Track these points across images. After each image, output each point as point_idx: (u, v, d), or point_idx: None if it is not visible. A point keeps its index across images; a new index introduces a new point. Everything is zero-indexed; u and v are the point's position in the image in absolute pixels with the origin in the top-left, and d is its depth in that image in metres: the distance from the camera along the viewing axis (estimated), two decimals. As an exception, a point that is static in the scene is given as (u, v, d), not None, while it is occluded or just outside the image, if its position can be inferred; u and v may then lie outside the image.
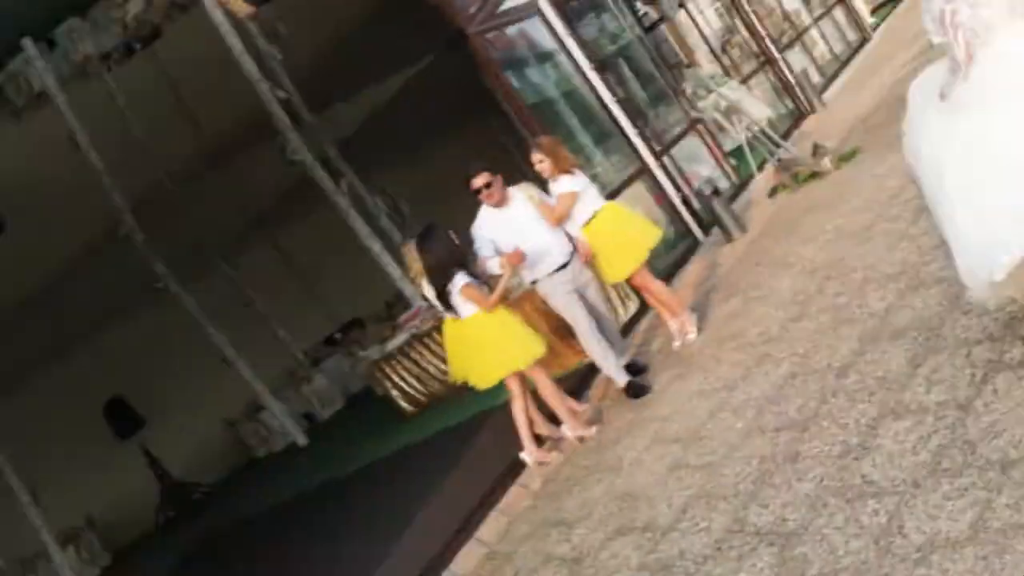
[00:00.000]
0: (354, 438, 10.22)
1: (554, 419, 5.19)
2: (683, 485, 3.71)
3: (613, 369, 5.15)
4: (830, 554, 2.65)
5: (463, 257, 4.83)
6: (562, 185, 5.13)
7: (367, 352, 11.04)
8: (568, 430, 5.03)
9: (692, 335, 5.31)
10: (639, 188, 7.51)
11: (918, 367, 3.23)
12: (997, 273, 2.58)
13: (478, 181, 4.93)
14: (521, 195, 5.11)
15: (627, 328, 6.51)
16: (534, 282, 5.19)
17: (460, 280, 4.72)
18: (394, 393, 9.06)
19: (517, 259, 4.77)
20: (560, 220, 5.12)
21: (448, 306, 4.88)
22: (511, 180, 5.24)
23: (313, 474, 9.76)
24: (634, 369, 5.38)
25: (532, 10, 7.35)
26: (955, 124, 2.71)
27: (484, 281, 4.87)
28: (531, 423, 5.09)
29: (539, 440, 5.15)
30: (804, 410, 3.59)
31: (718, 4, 11.47)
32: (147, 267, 11.16)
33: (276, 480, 11.04)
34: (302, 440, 12.42)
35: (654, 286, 5.38)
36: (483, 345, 4.85)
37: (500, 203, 4.99)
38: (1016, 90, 2.59)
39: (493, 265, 4.92)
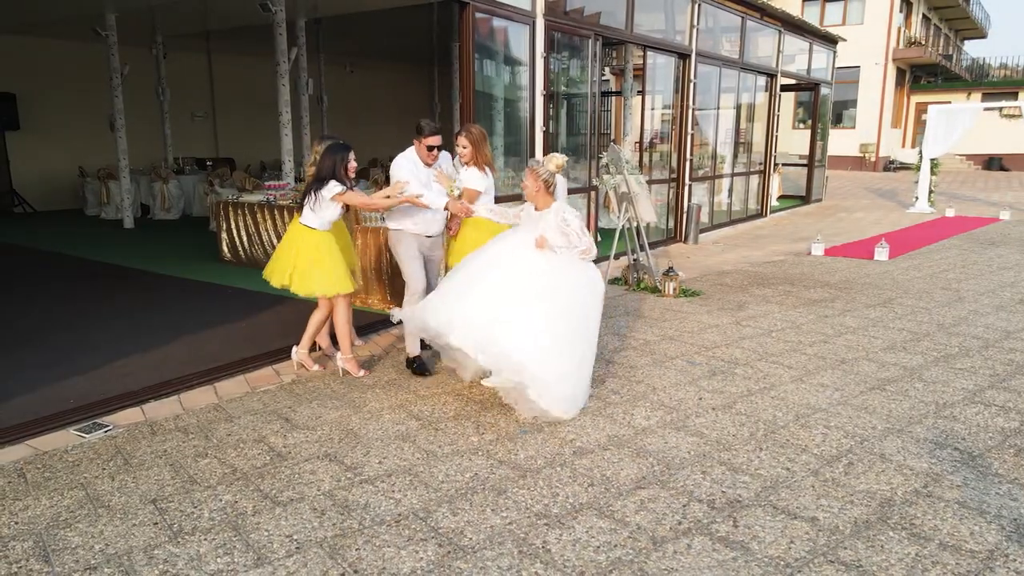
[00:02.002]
0: (168, 248, 9.72)
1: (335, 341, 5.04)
2: (401, 455, 3.60)
3: (413, 336, 4.91)
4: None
5: (339, 174, 4.62)
6: (472, 178, 4.94)
7: (223, 190, 10.56)
8: (340, 360, 4.86)
9: None
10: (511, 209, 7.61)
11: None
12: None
13: (432, 140, 4.77)
14: (445, 164, 4.98)
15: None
16: (398, 229, 4.90)
17: (335, 187, 4.55)
18: (223, 236, 8.68)
19: (463, 211, 4.71)
20: (458, 212, 4.82)
21: (301, 206, 4.69)
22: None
23: (117, 253, 9.20)
24: (428, 346, 5.00)
25: (527, 18, 7.36)
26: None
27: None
28: (319, 331, 4.97)
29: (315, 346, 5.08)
30: (532, 460, 3.59)
31: (667, 111, 11.94)
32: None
33: (81, 239, 10.35)
34: (129, 223, 11.86)
35: None
36: (300, 256, 4.67)
37: (431, 163, 4.86)
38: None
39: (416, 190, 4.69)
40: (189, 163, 14.55)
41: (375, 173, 12.64)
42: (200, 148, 16.12)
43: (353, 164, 4.74)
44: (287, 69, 9.99)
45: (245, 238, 8.41)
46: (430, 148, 4.79)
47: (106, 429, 3.96)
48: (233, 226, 8.50)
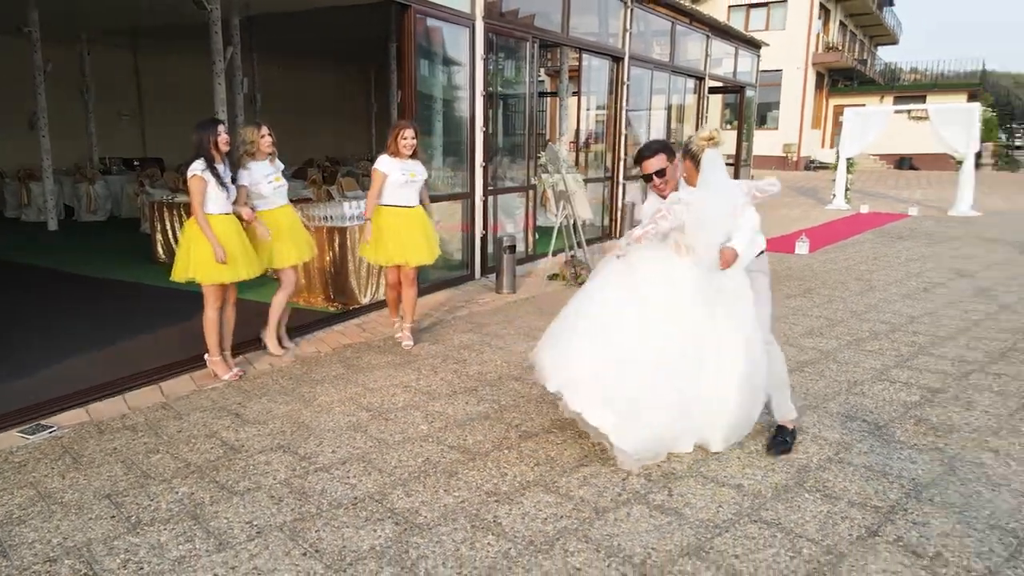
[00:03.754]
0: (98, 250, 9.47)
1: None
2: (353, 444, 3.72)
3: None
4: (439, 556, 2.72)
5: (206, 151, 4.43)
6: (423, 169, 5.28)
7: (154, 190, 10.34)
8: (209, 356, 4.77)
9: (408, 344, 5.44)
10: (455, 207, 7.89)
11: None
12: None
13: (653, 164, 3.51)
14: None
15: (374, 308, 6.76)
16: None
17: (194, 167, 4.38)
18: (158, 237, 8.55)
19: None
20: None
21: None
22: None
23: (45, 256, 8.91)
24: None
25: (467, 20, 7.53)
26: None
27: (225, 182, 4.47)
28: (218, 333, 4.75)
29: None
30: (481, 445, 3.77)
31: (601, 112, 12.28)
32: None
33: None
34: (53, 225, 11.45)
35: (413, 289, 5.45)
36: (184, 244, 4.61)
37: (665, 193, 3.61)
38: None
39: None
40: (116, 163, 14.14)
41: (312, 173, 12.56)
42: (127, 148, 15.65)
43: (224, 137, 4.49)
44: (223, 68, 9.88)
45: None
46: (647, 178, 3.60)
47: (50, 430, 3.95)
48: (168, 227, 8.39)
